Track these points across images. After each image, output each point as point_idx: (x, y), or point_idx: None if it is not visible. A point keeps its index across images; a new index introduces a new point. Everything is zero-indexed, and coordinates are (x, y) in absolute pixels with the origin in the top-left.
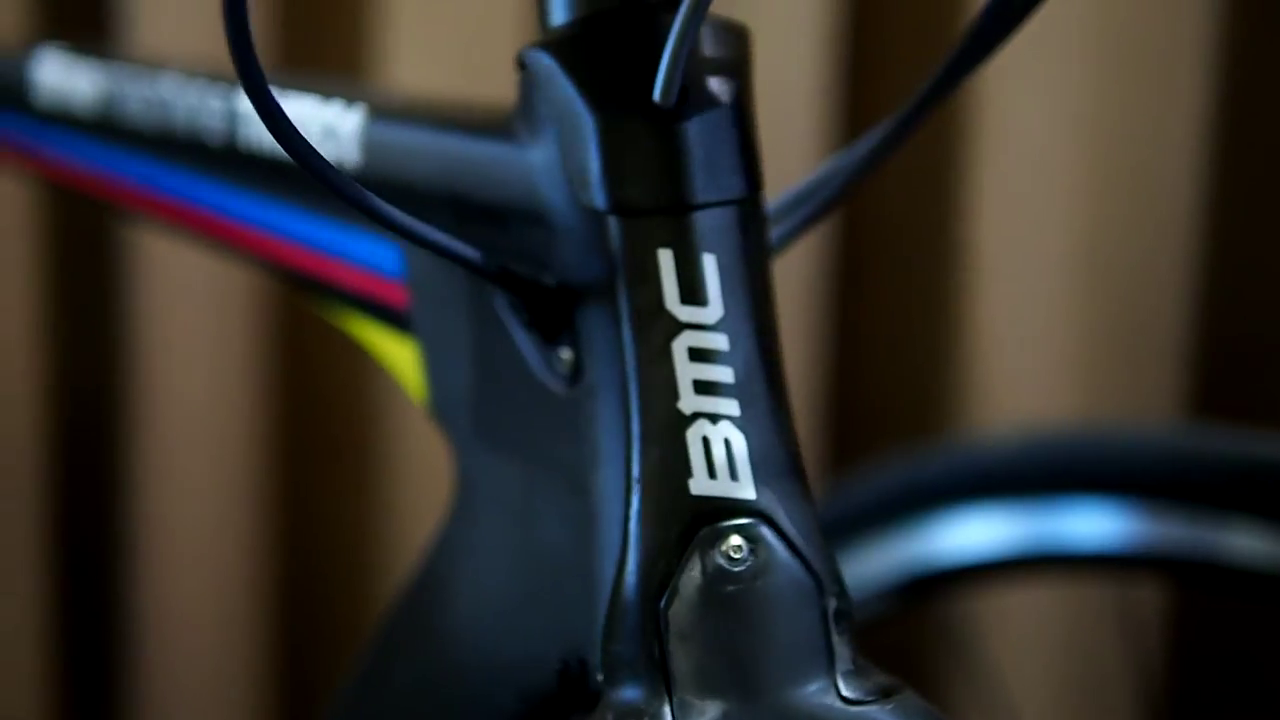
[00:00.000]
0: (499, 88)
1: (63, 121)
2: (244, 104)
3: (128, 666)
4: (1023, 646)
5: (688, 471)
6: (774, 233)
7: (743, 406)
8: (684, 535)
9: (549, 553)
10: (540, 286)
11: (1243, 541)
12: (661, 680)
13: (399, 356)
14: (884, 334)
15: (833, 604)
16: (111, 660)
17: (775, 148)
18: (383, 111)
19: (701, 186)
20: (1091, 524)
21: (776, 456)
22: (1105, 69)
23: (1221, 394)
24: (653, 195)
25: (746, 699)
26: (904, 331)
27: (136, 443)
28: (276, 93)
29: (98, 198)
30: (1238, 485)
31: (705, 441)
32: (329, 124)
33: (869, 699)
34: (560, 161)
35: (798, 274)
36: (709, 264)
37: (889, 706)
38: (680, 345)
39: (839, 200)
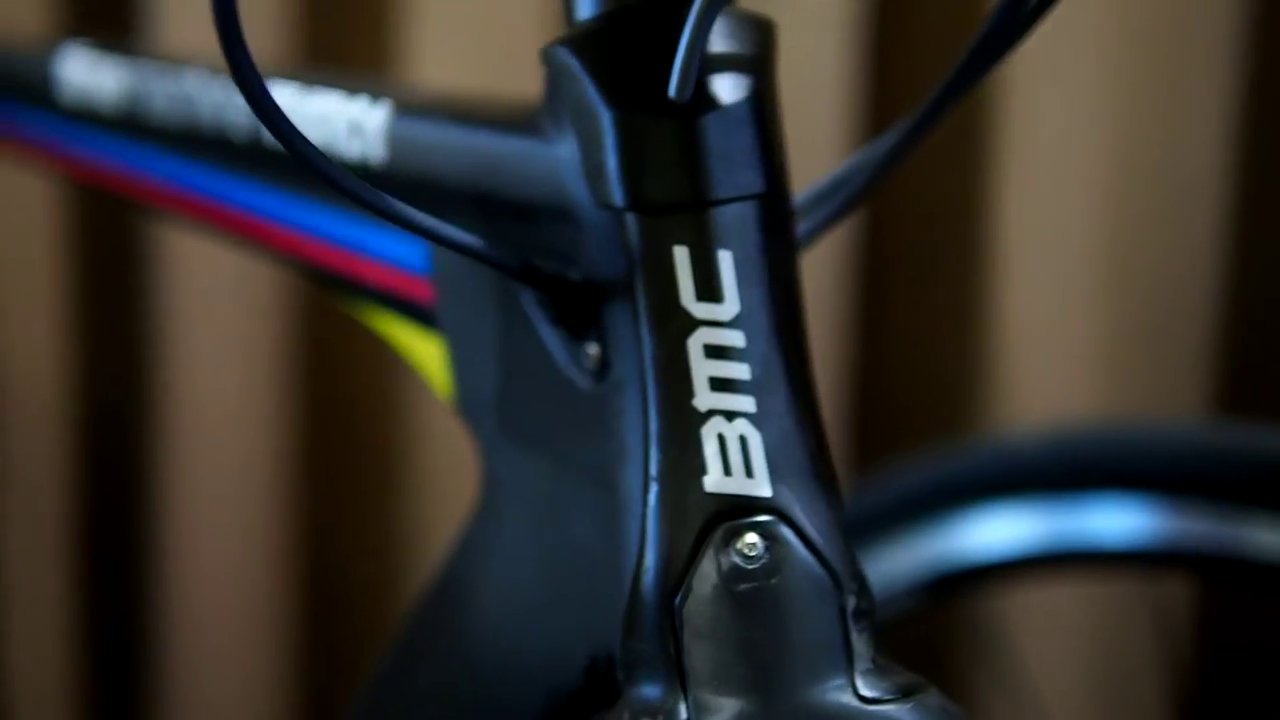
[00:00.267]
0: (524, 84)
1: (88, 119)
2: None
3: (153, 667)
4: (1050, 644)
5: (703, 469)
6: (800, 228)
7: (759, 403)
8: (699, 533)
9: (576, 549)
10: (566, 282)
11: (1268, 537)
12: (677, 678)
13: (425, 353)
14: (908, 332)
15: (851, 602)
16: (137, 661)
17: (800, 143)
18: (409, 107)
19: (718, 182)
20: (1117, 521)
21: (795, 454)
22: (1129, 65)
23: (1246, 391)
24: (668, 191)
25: (763, 697)
26: (928, 329)
27: (161, 443)
28: (298, 88)
29: (123, 195)
30: (1263, 481)
31: (721, 439)
32: (355, 120)
33: (888, 698)
34: (580, 158)
35: (822, 272)
36: (725, 260)
37: (908, 706)
38: (696, 342)
39: (865, 195)
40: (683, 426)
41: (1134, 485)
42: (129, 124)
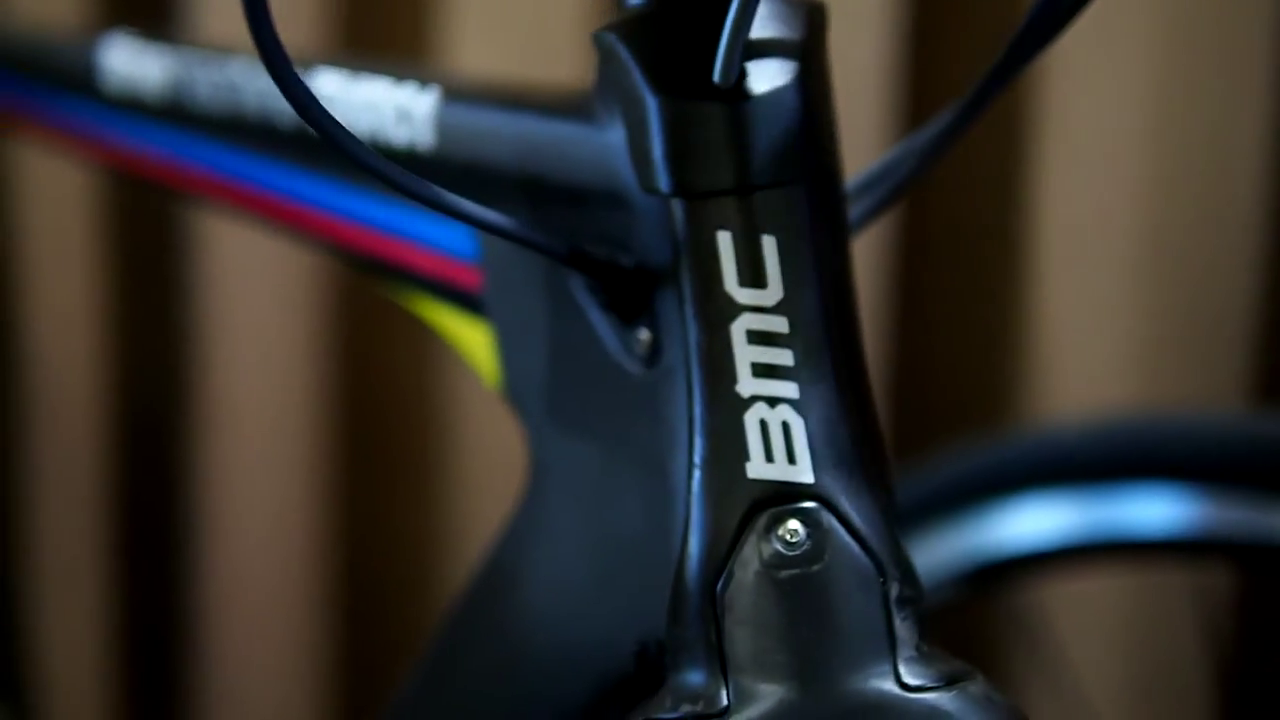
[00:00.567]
0: (563, 72)
1: (132, 107)
2: (317, 87)
3: (189, 662)
4: (1090, 634)
5: (745, 455)
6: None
7: (802, 389)
8: (741, 519)
9: (625, 535)
10: (617, 268)
11: None
12: (719, 664)
13: (472, 340)
14: (947, 322)
15: (895, 589)
16: (173, 656)
17: (845, 129)
18: (457, 93)
19: (761, 168)
20: (1156, 510)
21: (839, 440)
22: (1172, 56)
23: None
24: (711, 177)
25: (804, 684)
26: (967, 319)
27: (198, 438)
28: (345, 75)
29: (166, 184)
30: None
31: (763, 424)
32: (402, 106)
33: (932, 685)
34: (628, 143)
35: (862, 261)
36: (769, 246)
37: (951, 693)
38: (739, 327)
39: (910, 184)
40: (725, 412)
41: (1173, 475)
42: (173, 112)
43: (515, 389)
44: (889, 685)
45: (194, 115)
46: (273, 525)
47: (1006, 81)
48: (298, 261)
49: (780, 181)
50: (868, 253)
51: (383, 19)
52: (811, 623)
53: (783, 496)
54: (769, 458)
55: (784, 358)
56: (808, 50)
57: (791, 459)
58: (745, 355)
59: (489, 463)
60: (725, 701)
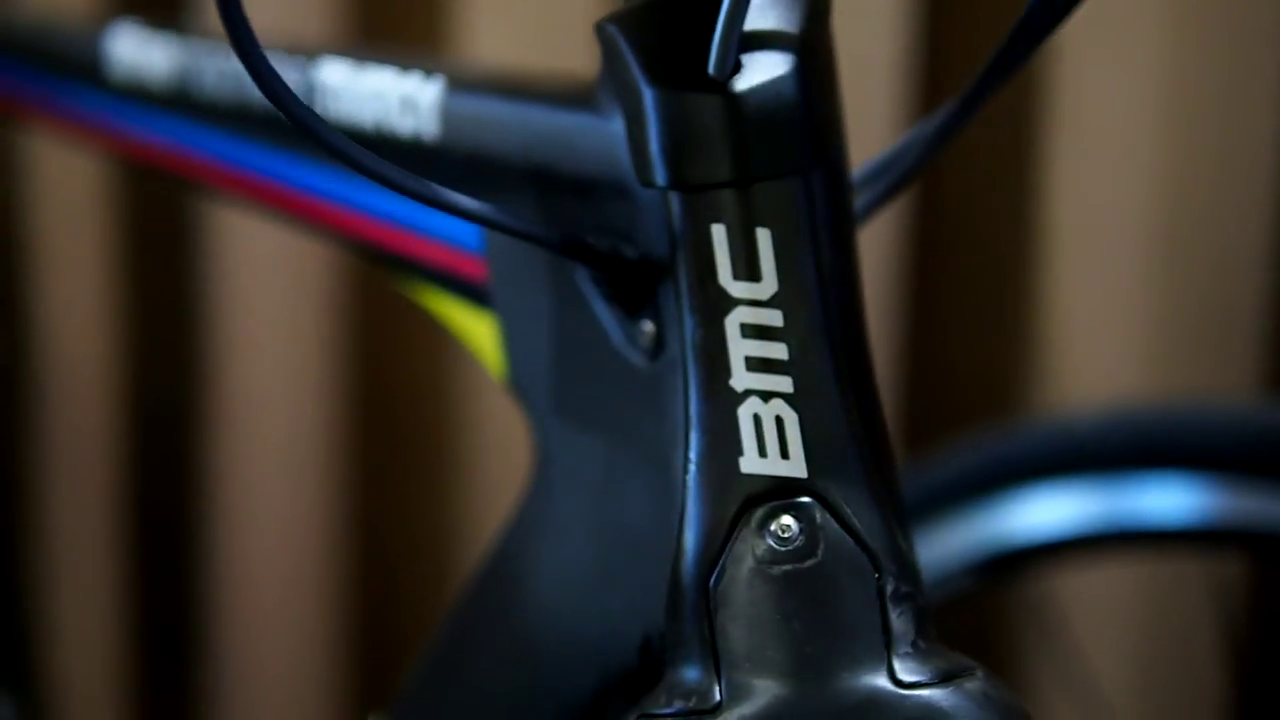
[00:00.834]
0: (576, 62)
1: (138, 96)
2: (322, 76)
3: (202, 654)
4: (1104, 624)
5: (739, 450)
6: (855, 205)
7: (797, 384)
8: (734, 515)
9: (630, 528)
10: (622, 259)
11: None
12: (712, 660)
13: (477, 331)
14: (959, 313)
15: (891, 584)
16: (188, 649)
17: (853, 119)
18: (462, 83)
19: (756, 160)
20: (1170, 500)
21: (835, 434)
22: (1184, 43)
23: None
24: (706, 170)
25: (797, 680)
26: (979, 309)
27: (211, 431)
28: (351, 65)
29: (173, 173)
30: None
31: (756, 419)
32: (408, 96)
33: (928, 682)
34: (627, 135)
35: (871, 252)
36: (763, 239)
37: (947, 690)
38: (733, 321)
39: (917, 172)
40: (719, 406)
41: (1186, 464)
42: (179, 101)
43: (520, 381)
44: (883, 682)
45: (200, 104)
46: (286, 519)
47: (1010, 72)
48: (311, 255)
49: (777, 174)
50: (880, 245)
51: (396, 9)
52: (805, 619)
53: (776, 492)
54: (762, 453)
55: (778, 351)
56: (807, 41)
57: (785, 454)
58: (739, 349)
59: (504, 457)
60: (718, 698)
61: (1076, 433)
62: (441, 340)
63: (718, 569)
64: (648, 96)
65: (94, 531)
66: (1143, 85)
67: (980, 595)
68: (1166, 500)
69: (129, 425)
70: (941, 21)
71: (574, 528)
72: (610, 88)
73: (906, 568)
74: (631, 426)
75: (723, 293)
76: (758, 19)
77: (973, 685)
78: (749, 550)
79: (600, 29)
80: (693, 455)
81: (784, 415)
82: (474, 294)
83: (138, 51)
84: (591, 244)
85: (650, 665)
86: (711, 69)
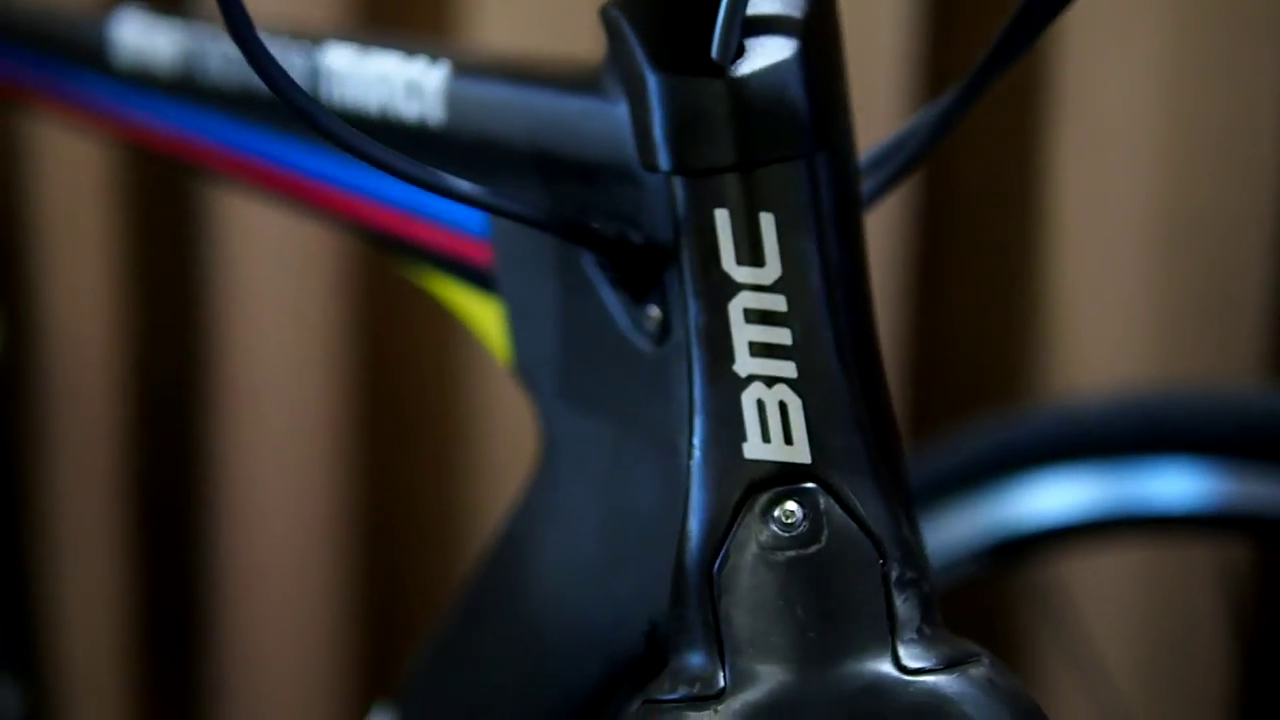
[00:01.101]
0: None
1: (143, 82)
2: (327, 61)
3: (209, 644)
4: (1111, 609)
5: (742, 435)
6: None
7: (801, 368)
8: (738, 501)
9: (636, 514)
10: (628, 244)
11: None
12: (716, 646)
13: (483, 316)
14: (966, 301)
15: (896, 570)
16: (193, 637)
17: (857, 104)
18: (468, 68)
19: (759, 144)
20: (1177, 485)
21: (839, 420)
22: (1189, 27)
23: None
24: (709, 155)
25: (801, 666)
26: (985, 297)
27: (217, 416)
28: (356, 49)
29: (177, 158)
30: None
31: (760, 405)
32: (413, 80)
33: (932, 668)
34: (630, 119)
35: (878, 237)
36: (767, 223)
37: (952, 676)
38: (736, 306)
39: (923, 157)
40: (723, 392)
41: (1193, 450)
42: (184, 87)
43: (526, 365)
44: (887, 667)
45: (205, 90)
46: (291, 506)
47: (1015, 57)
48: (317, 240)
49: (780, 158)
50: (885, 231)
51: None
52: (809, 604)
53: (780, 477)
54: (766, 438)
55: (782, 336)
56: (812, 25)
57: (789, 439)
58: (743, 334)
59: (509, 443)
60: (722, 684)
61: (1083, 418)
62: (447, 326)
63: (721, 555)
64: (651, 81)
65: (99, 519)
66: (1147, 73)
67: (987, 581)
68: (1172, 485)
69: (134, 412)
70: (945, 6)
71: (580, 513)
72: (615, 72)
73: (911, 553)
74: (637, 412)
75: (726, 277)
76: (762, 3)
77: (978, 671)
78: (753, 536)
79: (605, 13)
80: (696, 441)
81: (788, 401)
82: (480, 279)
83: (142, 37)
84: (597, 229)
85: (656, 651)
86: (715, 53)
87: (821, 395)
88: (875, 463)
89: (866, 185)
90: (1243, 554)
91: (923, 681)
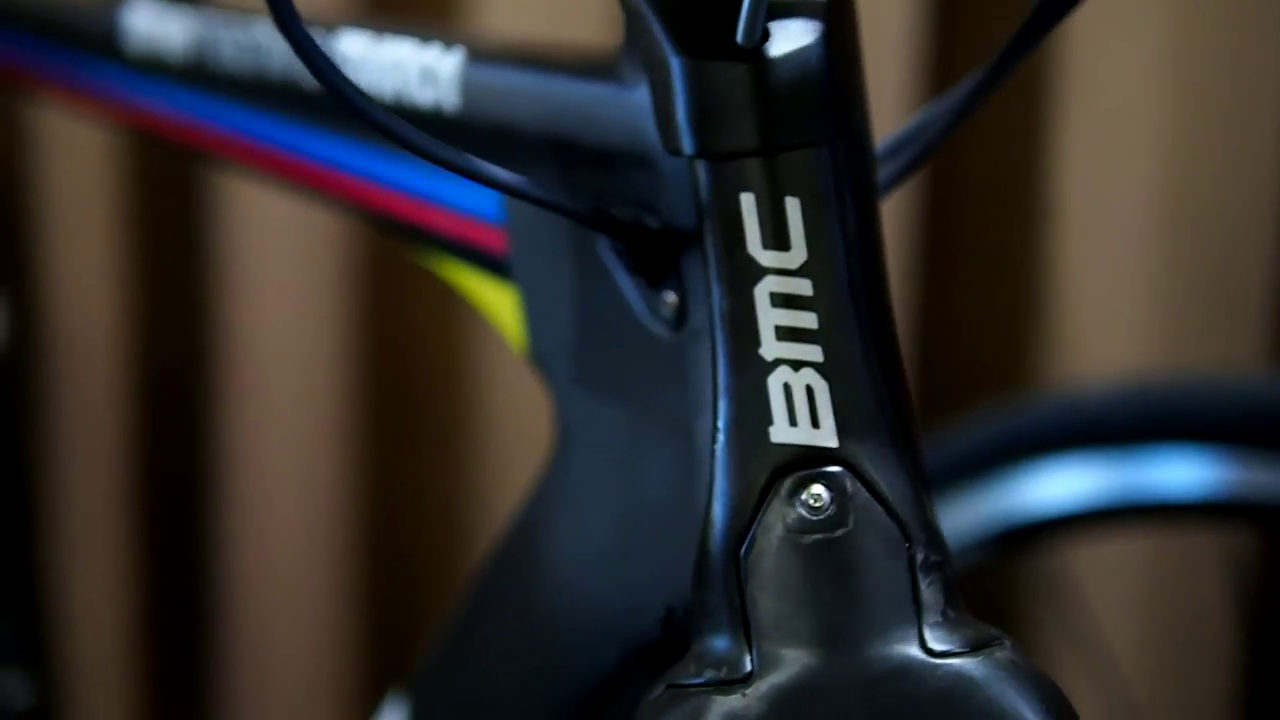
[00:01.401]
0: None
1: (155, 69)
2: (342, 47)
3: (216, 633)
4: (1117, 597)
5: (769, 419)
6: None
7: (827, 353)
8: (764, 484)
9: (652, 499)
10: (644, 230)
11: None
12: (743, 630)
13: (497, 303)
14: (972, 289)
15: (921, 554)
16: (199, 626)
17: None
18: (482, 54)
19: (785, 129)
20: (1183, 473)
21: (865, 403)
22: (1194, 21)
23: None
24: (734, 139)
25: (827, 649)
26: (992, 286)
27: (223, 403)
28: (370, 36)
29: (189, 146)
30: None
31: (787, 388)
32: (427, 67)
33: (958, 651)
34: (652, 104)
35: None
36: (792, 208)
37: (977, 659)
38: (762, 290)
39: (937, 147)
40: (749, 376)
41: (1199, 437)
42: (197, 74)
43: (541, 352)
44: (914, 650)
45: (218, 77)
46: (298, 493)
47: (1031, 46)
48: (324, 225)
49: (805, 143)
50: (893, 221)
51: None
52: (836, 588)
53: (807, 461)
54: (793, 422)
55: (808, 320)
56: (834, 10)
57: (815, 423)
58: (769, 318)
59: (519, 430)
60: (749, 667)
61: (1088, 406)
62: (457, 311)
63: (748, 539)
64: (675, 65)
65: (104, 509)
66: (1152, 62)
67: (994, 569)
68: (1178, 473)
69: (140, 399)
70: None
71: (595, 499)
72: (634, 57)
73: (936, 537)
74: (653, 398)
75: (752, 261)
76: None
77: (1002, 655)
78: (779, 519)
79: None
80: (721, 425)
81: (814, 384)
82: (494, 265)
83: (154, 24)
84: (615, 214)
85: (673, 637)
86: (740, 37)
87: (847, 379)
88: (899, 446)
89: (882, 173)
90: (1248, 541)
91: (949, 664)
